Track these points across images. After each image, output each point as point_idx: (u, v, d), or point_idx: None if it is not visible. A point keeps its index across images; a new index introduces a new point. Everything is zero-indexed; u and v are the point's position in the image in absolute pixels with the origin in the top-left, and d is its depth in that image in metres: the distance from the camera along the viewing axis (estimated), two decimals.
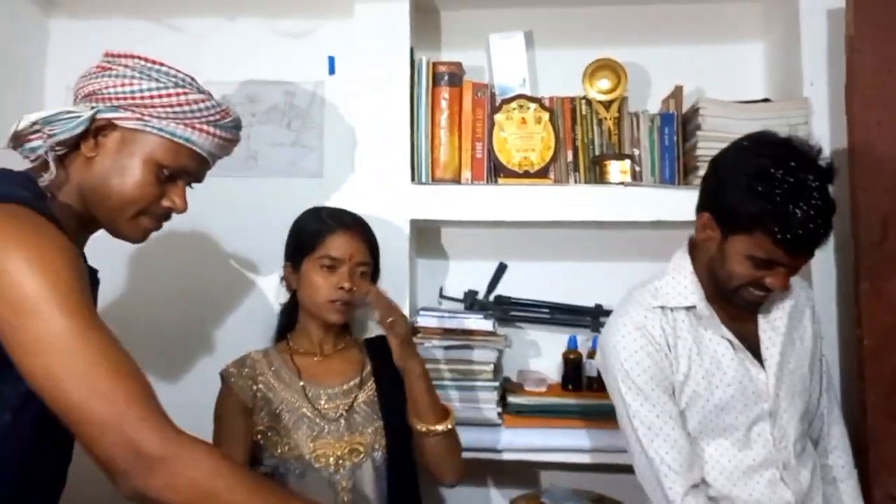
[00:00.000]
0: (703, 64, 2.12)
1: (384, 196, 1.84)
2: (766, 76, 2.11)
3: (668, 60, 2.14)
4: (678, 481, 1.39)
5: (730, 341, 1.44)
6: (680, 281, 1.49)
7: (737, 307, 1.44)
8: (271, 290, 1.92)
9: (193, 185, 1.27)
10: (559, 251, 2.12)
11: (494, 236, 2.15)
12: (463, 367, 1.85)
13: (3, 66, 1.92)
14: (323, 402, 1.54)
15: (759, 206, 1.31)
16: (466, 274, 2.15)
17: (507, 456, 1.84)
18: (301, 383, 1.56)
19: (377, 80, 1.93)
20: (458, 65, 1.98)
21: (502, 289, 2.10)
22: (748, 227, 1.34)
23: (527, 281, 2.11)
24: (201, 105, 1.20)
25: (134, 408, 0.94)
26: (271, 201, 1.95)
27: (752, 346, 1.46)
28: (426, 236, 2.13)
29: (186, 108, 1.18)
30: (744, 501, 1.41)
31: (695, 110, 1.87)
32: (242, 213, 1.95)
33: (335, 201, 1.80)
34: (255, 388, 1.54)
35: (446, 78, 1.95)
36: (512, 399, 1.88)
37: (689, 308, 1.46)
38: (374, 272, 1.64)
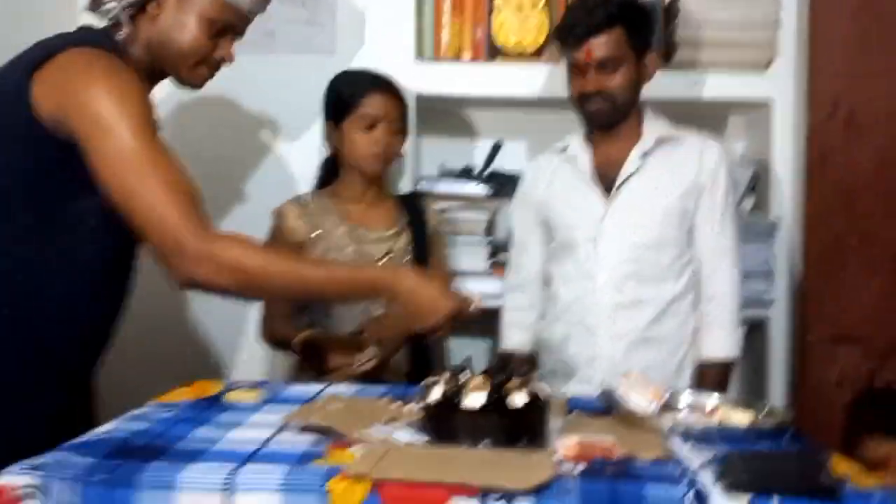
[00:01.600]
0: None
1: (391, 72, 2.03)
2: None
3: None
4: (514, 294, 1.86)
5: (583, 172, 1.75)
6: (576, 131, 1.81)
7: (593, 127, 1.75)
8: (293, 153, 2.14)
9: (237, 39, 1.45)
10: (551, 130, 2.32)
11: (492, 116, 2.36)
12: (459, 226, 2.09)
13: None
14: (367, 242, 1.78)
15: (557, 26, 1.77)
16: (466, 152, 2.37)
17: (492, 302, 2.09)
18: (348, 225, 1.78)
19: None
20: None
21: (498, 165, 2.33)
22: (559, 47, 1.77)
23: (521, 159, 2.32)
24: None
25: (181, 216, 1.18)
26: (286, 76, 2.14)
27: (616, 174, 1.72)
28: (430, 116, 2.33)
29: None
30: (563, 299, 1.75)
31: None
32: (262, 86, 2.14)
33: None
34: (309, 224, 1.76)
35: None
36: (501, 256, 2.12)
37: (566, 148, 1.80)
38: (404, 128, 1.83)
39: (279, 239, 1.77)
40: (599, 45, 1.64)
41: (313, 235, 1.77)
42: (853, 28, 1.89)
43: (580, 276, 1.72)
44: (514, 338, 1.87)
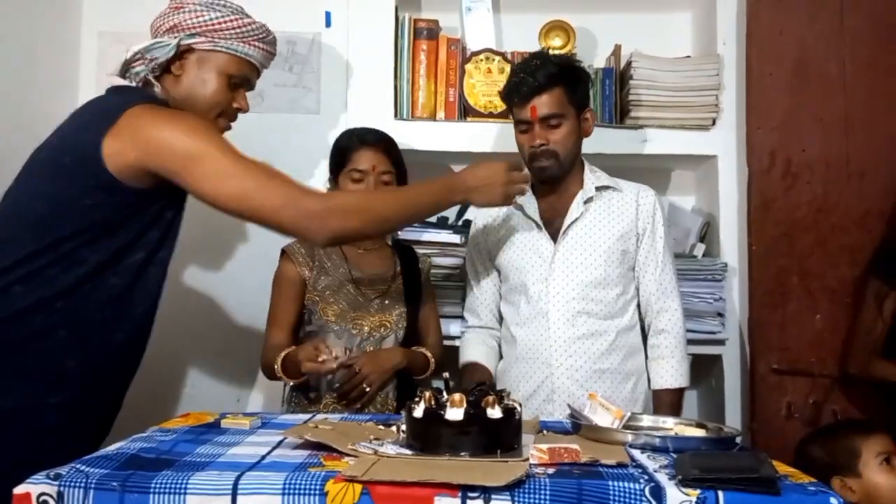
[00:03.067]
0: (641, 29, 2.51)
1: None
2: (692, 38, 2.52)
3: (611, 25, 2.52)
4: (469, 317, 2.01)
5: (532, 219, 1.88)
6: None
7: (540, 181, 1.87)
8: None
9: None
10: None
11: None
12: (435, 270, 2.23)
13: (42, 13, 2.23)
14: (364, 284, 1.91)
15: (505, 87, 1.88)
16: None
17: None
18: (348, 267, 1.91)
19: (367, 33, 2.31)
20: (436, 22, 2.36)
21: (469, 215, 2.49)
22: (507, 106, 1.93)
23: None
24: (252, 27, 1.55)
25: (292, 192, 1.43)
26: (276, 133, 2.30)
27: (561, 222, 1.86)
28: (408, 170, 2.49)
29: (243, 29, 1.53)
30: (521, 340, 1.86)
31: (629, 63, 2.27)
32: (252, 144, 2.27)
33: (330, 135, 2.16)
34: (312, 262, 1.90)
35: (425, 33, 2.33)
36: None
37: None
38: (402, 180, 1.97)
39: (286, 275, 1.90)
40: (542, 104, 1.78)
41: (316, 272, 1.90)
42: (788, 85, 2.12)
43: (534, 315, 1.84)
44: (473, 351, 1.97)
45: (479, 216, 2.03)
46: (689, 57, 2.32)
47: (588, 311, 1.82)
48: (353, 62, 2.32)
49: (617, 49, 2.36)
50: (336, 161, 1.95)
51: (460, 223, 2.48)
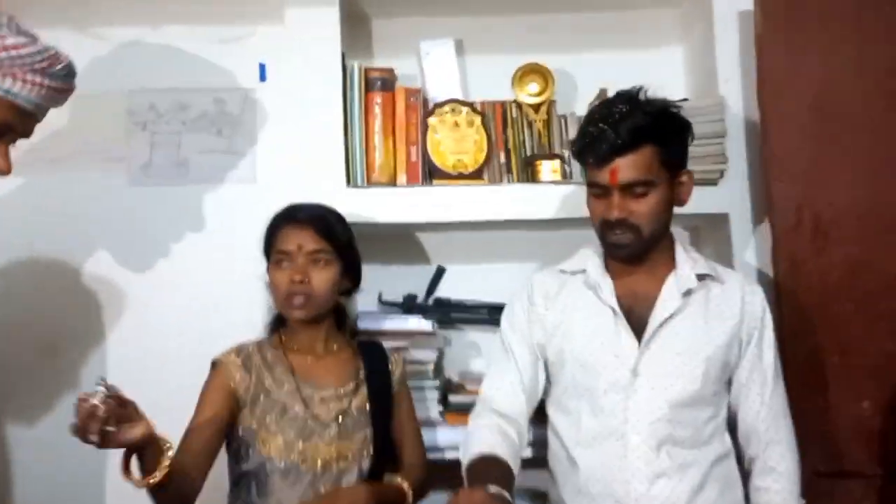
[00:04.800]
0: (627, 69, 2.17)
1: (319, 201, 1.84)
2: (686, 78, 2.21)
3: (592, 66, 2.21)
4: (480, 401, 1.55)
5: (611, 307, 1.48)
6: (587, 252, 1.58)
7: (614, 258, 1.51)
8: (217, 290, 1.90)
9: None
10: (496, 253, 2.16)
11: (432, 240, 2.19)
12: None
13: None
14: (316, 403, 1.52)
15: (577, 137, 1.50)
16: (406, 279, 2.17)
17: (449, 455, 1.85)
18: (295, 382, 1.53)
19: (309, 86, 1.94)
20: (391, 71, 2.02)
21: (441, 292, 2.13)
22: (578, 160, 1.54)
23: (465, 283, 2.13)
24: (22, 51, 1.09)
25: None
26: (204, 209, 1.93)
27: (646, 317, 1.47)
28: (364, 242, 2.13)
29: (3, 54, 1.08)
30: (587, 466, 1.43)
31: None
32: (176, 221, 1.92)
33: (269, 207, 1.79)
34: (250, 378, 1.52)
35: (379, 83, 1.98)
36: (453, 398, 1.89)
37: (583, 272, 1.54)
38: (351, 269, 1.62)
39: (216, 392, 1.51)
40: (626, 167, 1.40)
41: (254, 392, 1.52)
42: (808, 129, 1.79)
43: (605, 435, 1.42)
44: (486, 439, 1.44)
45: (536, 284, 1.60)
46: (686, 100, 2.00)
47: (674, 439, 1.41)
48: (294, 121, 1.94)
49: (602, 94, 2.04)
50: (264, 244, 1.61)
51: (430, 302, 2.12)
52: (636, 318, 1.47)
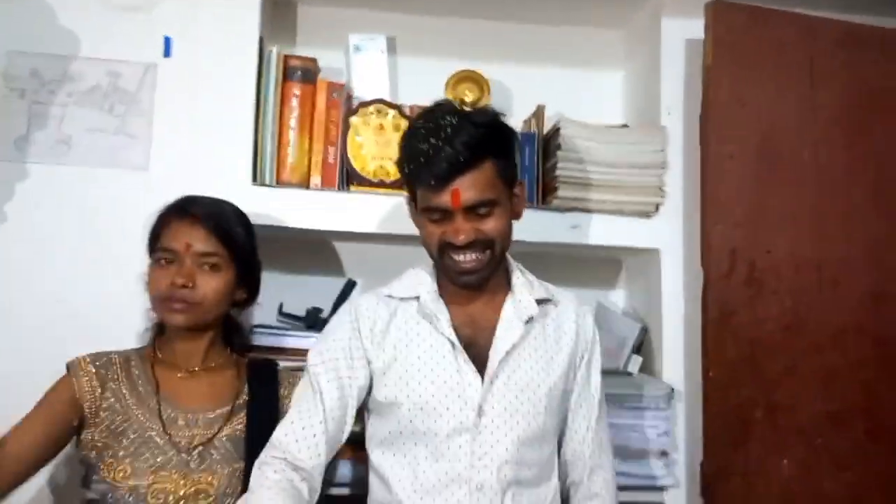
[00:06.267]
0: (565, 87, 2.11)
1: (220, 197, 1.64)
2: (625, 103, 2.11)
3: (530, 80, 2.11)
4: (272, 446, 1.28)
5: (449, 340, 1.32)
6: (418, 274, 1.42)
7: (456, 284, 1.35)
8: (91, 289, 1.65)
9: None
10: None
11: (344, 250, 2.00)
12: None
13: None
14: (178, 427, 1.31)
15: (404, 157, 1.32)
16: (311, 291, 1.98)
17: (342, 490, 1.66)
18: (157, 401, 1.32)
19: (220, 67, 1.74)
20: (314, 61, 1.82)
21: None
22: (409, 183, 1.35)
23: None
24: None
25: None
26: (86, 196, 1.68)
27: (486, 347, 1.33)
28: (267, 247, 1.93)
29: None
30: None
31: (556, 130, 1.82)
32: (51, 205, 1.66)
33: (161, 198, 1.56)
34: (101, 391, 1.31)
35: (299, 73, 1.79)
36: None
37: (416, 298, 1.38)
38: (248, 278, 1.44)
39: (56, 397, 1.31)
40: (468, 186, 1.25)
41: (104, 406, 1.31)
42: (752, 170, 1.69)
43: (449, 482, 1.26)
44: (274, 500, 1.21)
45: (362, 310, 1.38)
46: (626, 126, 1.90)
47: (519, 480, 1.29)
48: (198, 105, 1.73)
49: (539, 111, 1.90)
50: (150, 237, 1.40)
51: None
52: (477, 351, 1.33)
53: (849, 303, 1.67)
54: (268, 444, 1.29)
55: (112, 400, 1.32)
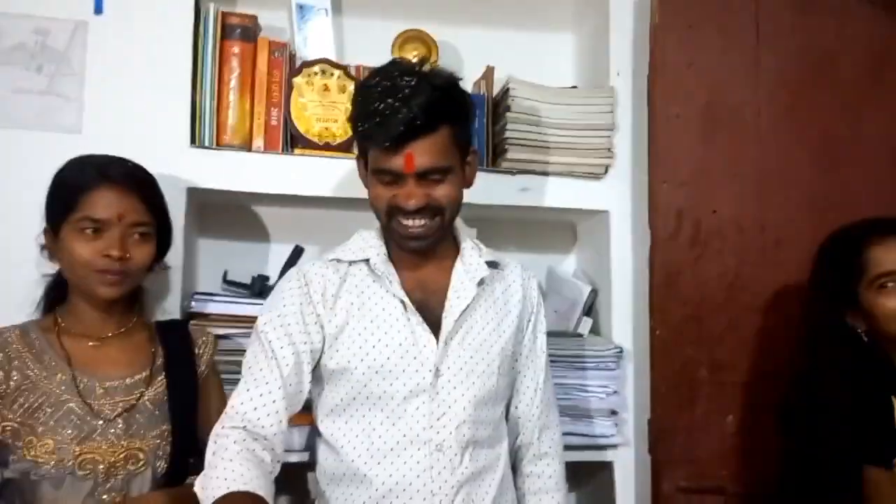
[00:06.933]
0: (514, 49, 2.08)
1: (157, 159, 1.54)
2: (576, 65, 2.10)
3: (479, 42, 2.08)
4: (228, 416, 1.23)
5: (402, 301, 1.31)
6: (365, 237, 1.40)
7: (403, 248, 1.34)
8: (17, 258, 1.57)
9: None
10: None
11: (290, 216, 1.96)
12: (226, 357, 1.58)
13: None
14: (98, 396, 1.27)
15: (357, 114, 1.29)
16: (256, 258, 1.93)
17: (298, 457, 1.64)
18: (71, 372, 1.28)
19: (154, 24, 1.67)
20: (253, 18, 1.76)
21: None
22: (361, 143, 1.32)
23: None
24: None
25: None
26: (13, 160, 1.60)
27: (438, 310, 1.33)
28: (209, 212, 1.88)
29: None
30: (382, 482, 1.25)
31: (505, 92, 1.80)
32: None
33: None
34: (8, 368, 1.25)
35: (238, 31, 1.73)
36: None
37: (365, 261, 1.36)
38: (162, 238, 1.39)
39: None
40: (423, 151, 1.23)
41: (15, 385, 1.25)
42: (698, 131, 1.70)
43: (406, 444, 1.26)
44: (241, 470, 1.14)
45: (313, 276, 1.34)
46: (575, 87, 1.88)
47: (477, 440, 1.30)
48: (132, 64, 1.65)
49: (489, 72, 1.88)
50: (59, 203, 1.32)
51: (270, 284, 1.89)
52: (429, 314, 1.32)
53: (791, 263, 1.69)
54: (223, 416, 1.24)
55: (18, 377, 1.26)
